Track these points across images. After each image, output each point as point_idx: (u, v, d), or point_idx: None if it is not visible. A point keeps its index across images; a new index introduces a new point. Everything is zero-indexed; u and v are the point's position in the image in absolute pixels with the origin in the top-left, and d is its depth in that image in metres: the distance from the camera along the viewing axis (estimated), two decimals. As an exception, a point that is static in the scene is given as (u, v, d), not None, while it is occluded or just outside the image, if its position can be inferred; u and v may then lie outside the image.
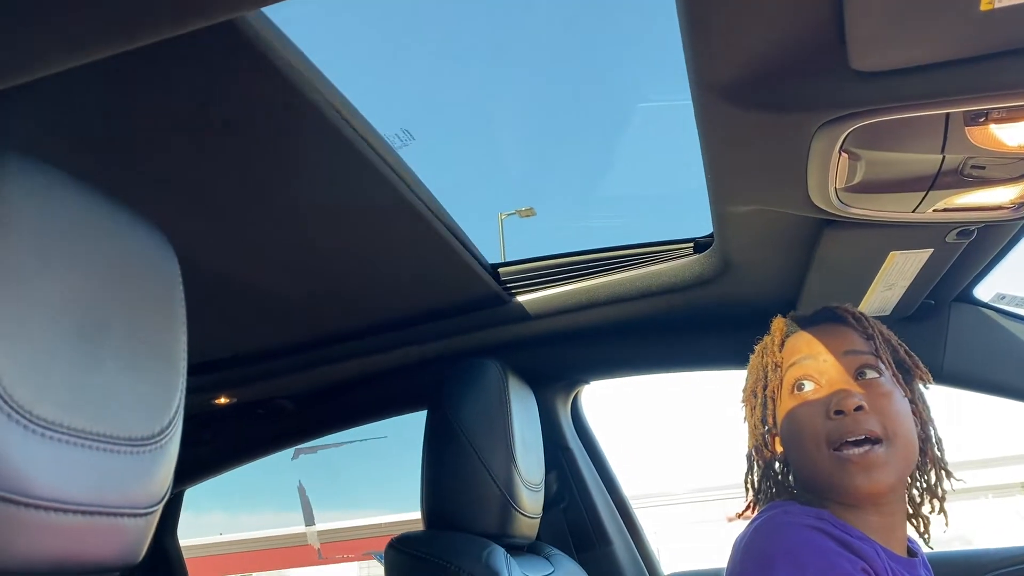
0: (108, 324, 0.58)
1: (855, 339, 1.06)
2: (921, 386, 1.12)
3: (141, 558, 0.61)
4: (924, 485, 1.10)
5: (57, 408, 0.53)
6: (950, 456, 1.11)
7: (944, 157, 0.90)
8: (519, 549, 1.41)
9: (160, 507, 0.62)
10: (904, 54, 0.74)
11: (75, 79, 0.71)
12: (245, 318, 1.52)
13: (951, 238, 1.18)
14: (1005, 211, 1.04)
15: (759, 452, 1.13)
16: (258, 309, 1.49)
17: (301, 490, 11.54)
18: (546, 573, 1.39)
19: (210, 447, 2.00)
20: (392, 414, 1.92)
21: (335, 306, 1.53)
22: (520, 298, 1.57)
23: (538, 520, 1.44)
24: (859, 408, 0.99)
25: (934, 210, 1.03)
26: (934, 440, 1.10)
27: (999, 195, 1.00)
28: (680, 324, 1.63)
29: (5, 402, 0.50)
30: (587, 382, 1.86)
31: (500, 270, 1.57)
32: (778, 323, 1.14)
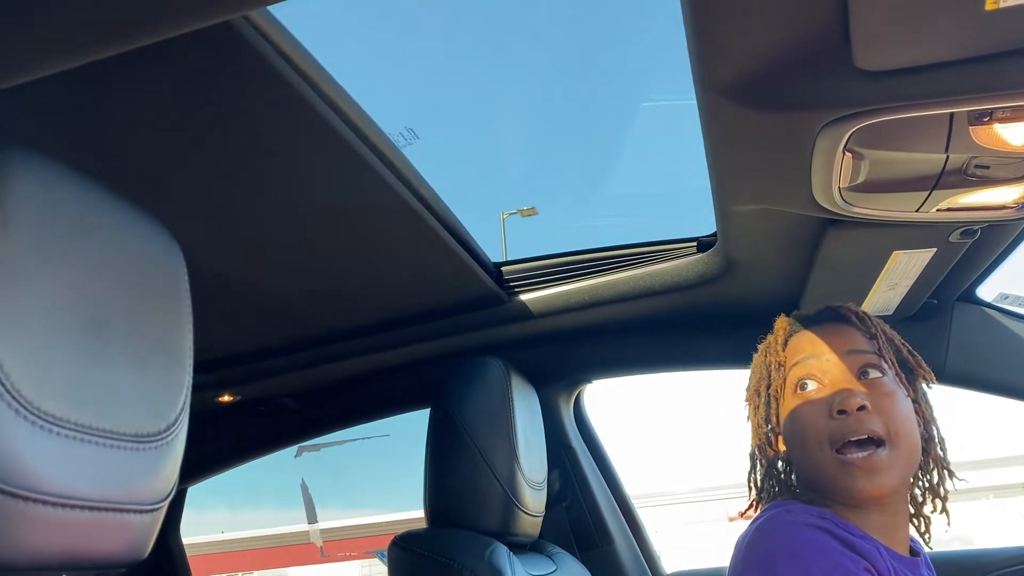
0: (113, 320, 0.59)
1: (858, 338, 1.06)
2: (924, 386, 1.12)
3: (147, 554, 0.62)
4: (926, 485, 1.10)
5: (63, 404, 0.53)
6: (951, 456, 1.11)
7: (948, 157, 0.90)
8: (522, 547, 1.41)
9: (166, 504, 0.63)
10: (908, 53, 0.74)
11: (74, 78, 0.71)
12: (248, 317, 1.53)
13: (954, 238, 1.18)
14: (1009, 211, 1.04)
15: (762, 451, 1.13)
16: (261, 308, 1.49)
17: (304, 488, 11.55)
18: (549, 571, 1.39)
19: (213, 445, 2.01)
20: (395, 412, 1.92)
21: (338, 304, 1.53)
22: (523, 297, 1.57)
23: (541, 518, 1.45)
24: (862, 408, 0.99)
25: (938, 210, 1.03)
26: (937, 440, 1.10)
27: (1003, 195, 1.00)
28: (683, 323, 1.63)
29: (13, 397, 0.50)
30: (590, 381, 1.86)
31: (503, 269, 1.57)
32: (781, 322, 1.14)
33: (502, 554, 1.24)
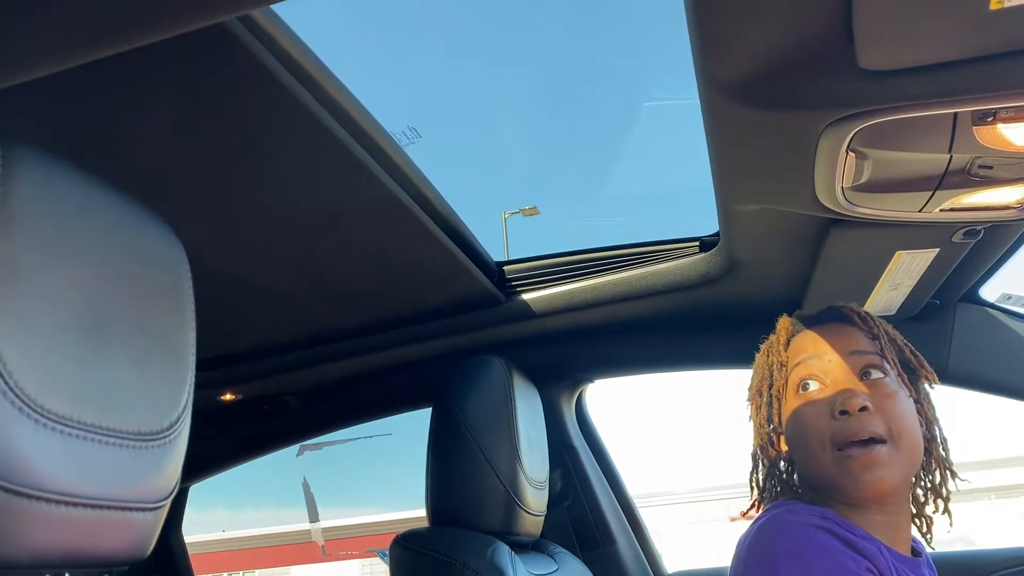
0: (116, 318, 0.59)
1: (860, 339, 1.06)
2: (926, 386, 1.12)
3: (149, 552, 0.62)
4: (928, 485, 1.10)
5: (66, 402, 0.54)
6: (953, 457, 1.11)
7: (951, 157, 0.90)
8: (523, 547, 1.41)
9: (168, 502, 0.63)
10: (913, 53, 0.74)
11: (74, 79, 0.71)
12: (250, 315, 1.53)
13: (957, 238, 1.17)
14: (1012, 211, 1.04)
15: (764, 451, 1.12)
16: (263, 306, 1.49)
17: (306, 487, 11.55)
18: (550, 571, 1.39)
19: (215, 443, 2.01)
20: (397, 411, 1.92)
21: (340, 303, 1.53)
22: (525, 296, 1.57)
23: (542, 518, 1.45)
24: (864, 408, 0.99)
25: (941, 210, 1.03)
26: (939, 440, 1.10)
27: (1006, 195, 1.00)
28: (685, 323, 1.63)
29: (16, 395, 0.50)
30: (591, 380, 1.86)
31: (505, 268, 1.57)
32: (783, 322, 1.14)
33: (504, 553, 1.24)
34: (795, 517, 0.97)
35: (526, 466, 1.35)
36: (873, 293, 1.39)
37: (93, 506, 0.55)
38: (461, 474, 1.32)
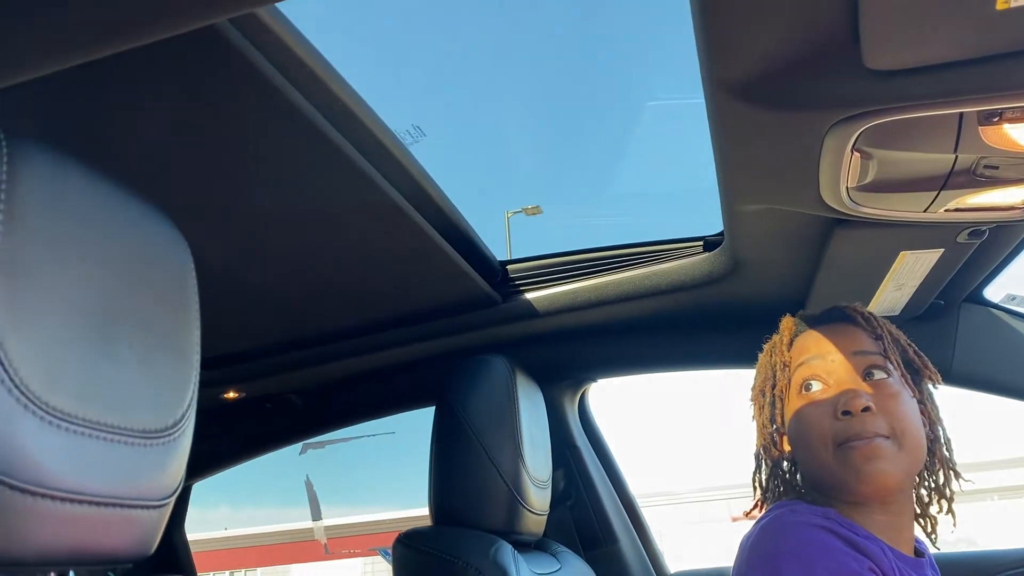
0: (121, 315, 0.59)
1: (864, 339, 1.06)
2: (930, 387, 1.11)
3: (153, 550, 0.62)
4: (932, 485, 1.10)
5: (71, 399, 0.54)
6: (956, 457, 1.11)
7: (957, 157, 0.89)
8: (526, 546, 1.41)
9: (173, 500, 0.63)
10: (918, 53, 0.73)
11: (72, 80, 0.71)
12: (254, 314, 1.53)
13: (962, 238, 1.17)
14: (1017, 211, 1.04)
15: (767, 451, 1.12)
16: (267, 305, 1.49)
17: (308, 485, 11.56)
18: (553, 570, 1.39)
19: (218, 441, 2.01)
20: (400, 410, 1.92)
21: (343, 302, 1.53)
22: (528, 295, 1.57)
23: (545, 517, 1.44)
24: (866, 409, 0.99)
25: (946, 210, 1.03)
26: (943, 440, 1.09)
27: (1011, 195, 1.00)
28: (688, 323, 1.63)
29: (21, 392, 0.50)
30: (595, 380, 1.86)
31: (508, 267, 1.57)
32: (787, 322, 1.14)
33: (507, 552, 1.24)
34: (798, 517, 0.97)
35: (529, 465, 1.35)
36: (877, 293, 1.39)
37: (98, 504, 0.55)
38: (464, 473, 1.32)
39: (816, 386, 1.04)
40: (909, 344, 1.10)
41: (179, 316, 0.65)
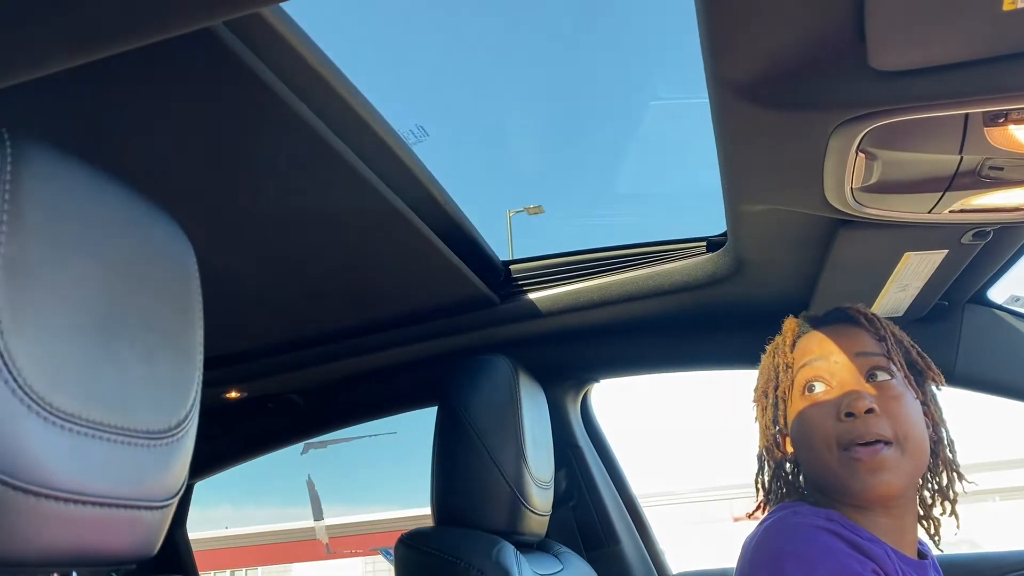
0: (125, 316, 0.58)
1: (867, 340, 1.06)
2: (933, 388, 1.11)
3: (156, 550, 0.62)
4: (935, 487, 1.09)
5: (75, 400, 0.53)
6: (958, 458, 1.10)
7: (962, 158, 0.89)
8: (528, 546, 1.41)
9: (176, 500, 0.63)
10: (924, 54, 0.73)
11: (70, 81, 0.71)
12: (256, 314, 1.53)
13: (967, 239, 1.17)
14: (1022, 213, 1.03)
15: (769, 453, 1.12)
16: (269, 305, 1.49)
17: (310, 485, 11.56)
18: (555, 571, 1.39)
19: (220, 441, 2.01)
20: (402, 410, 1.92)
21: (345, 302, 1.53)
22: (531, 295, 1.57)
23: (547, 518, 1.44)
24: (870, 411, 0.98)
25: (950, 211, 1.03)
26: (946, 442, 1.09)
27: (1016, 196, 0.99)
28: (692, 323, 1.63)
29: (25, 393, 0.50)
30: (597, 380, 1.86)
31: (511, 268, 1.57)
32: (790, 323, 1.14)
33: (509, 553, 1.24)
34: (801, 519, 0.97)
35: (531, 466, 1.35)
36: (881, 294, 1.39)
37: (101, 504, 0.55)
38: (466, 473, 1.32)
39: (819, 387, 1.04)
40: (912, 345, 1.10)
41: (182, 316, 0.64)
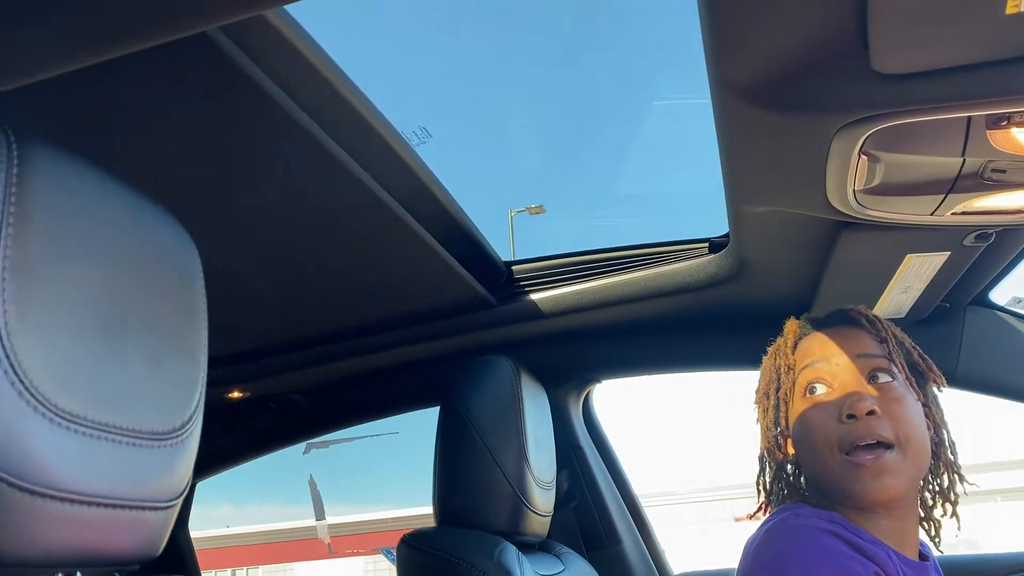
0: (130, 317, 0.59)
1: (868, 342, 1.06)
2: (935, 389, 1.11)
3: (160, 551, 0.62)
4: (936, 488, 1.09)
5: (80, 401, 0.54)
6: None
7: (964, 160, 0.89)
8: (530, 547, 1.41)
9: (180, 501, 0.63)
10: (927, 57, 0.73)
11: (75, 80, 0.71)
12: (259, 314, 1.53)
13: (969, 241, 1.17)
14: (1024, 215, 1.04)
15: (771, 454, 1.12)
16: (272, 306, 1.49)
17: (312, 484, 11.57)
18: (557, 571, 1.39)
19: (223, 441, 2.01)
20: (404, 410, 1.92)
21: (348, 303, 1.53)
22: (533, 296, 1.57)
23: (549, 518, 1.45)
24: (871, 412, 0.98)
25: (952, 213, 1.03)
26: (947, 444, 1.09)
27: (1018, 199, 0.99)
28: (693, 324, 1.63)
29: (31, 394, 0.50)
30: (599, 381, 1.86)
31: (513, 268, 1.57)
32: (791, 325, 1.14)
33: (511, 554, 1.24)
34: (803, 521, 0.97)
35: (533, 466, 1.35)
36: (883, 296, 1.39)
37: (106, 505, 0.55)
38: (468, 474, 1.32)
39: (820, 389, 1.04)
40: (914, 347, 1.09)
41: (187, 317, 0.65)
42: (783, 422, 1.10)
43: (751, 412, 1.17)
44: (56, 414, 0.52)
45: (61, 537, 0.52)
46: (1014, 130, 0.83)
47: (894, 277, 1.32)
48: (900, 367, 1.04)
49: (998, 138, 0.84)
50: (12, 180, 0.52)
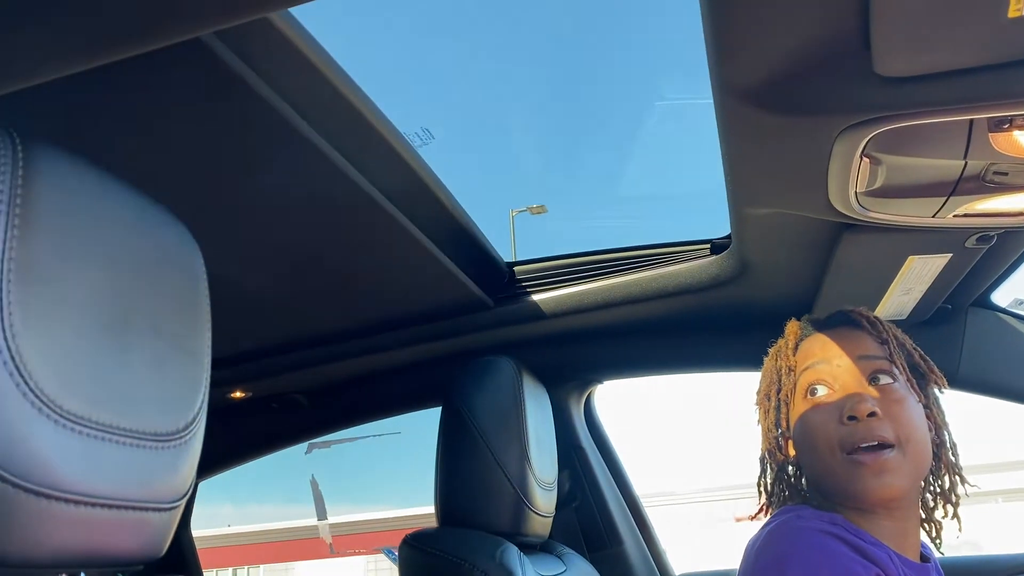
0: (133, 318, 0.59)
1: (869, 344, 1.06)
2: (936, 391, 1.11)
3: (164, 552, 0.62)
4: (937, 490, 1.09)
5: (85, 402, 0.54)
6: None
7: (966, 163, 0.89)
8: (532, 548, 1.41)
9: (184, 502, 0.63)
10: (929, 60, 0.73)
11: (71, 82, 0.71)
12: (260, 315, 1.53)
13: (970, 243, 1.17)
14: (1026, 217, 1.04)
15: (772, 455, 1.12)
16: (273, 307, 1.50)
17: (314, 484, 11.58)
18: (558, 572, 1.39)
19: (225, 441, 2.01)
20: (406, 410, 1.93)
21: (350, 303, 1.53)
22: (535, 297, 1.57)
23: (551, 519, 1.45)
24: (872, 414, 0.98)
25: (954, 215, 1.03)
26: (948, 445, 1.09)
27: (1020, 201, 0.99)
28: (695, 325, 1.63)
29: (36, 396, 0.50)
30: (600, 382, 1.86)
31: (515, 268, 1.58)
32: (792, 326, 1.14)
33: (513, 554, 1.24)
34: (804, 522, 0.97)
35: (535, 467, 1.36)
36: (885, 298, 1.39)
37: (110, 506, 0.55)
38: (470, 474, 1.32)
39: (821, 390, 1.04)
40: (915, 348, 1.10)
41: (190, 319, 0.65)
42: (784, 423, 1.10)
43: (753, 413, 1.17)
44: (61, 415, 0.52)
45: (65, 538, 0.52)
46: (1016, 133, 0.83)
47: (896, 279, 1.32)
48: (901, 369, 1.04)
49: (1000, 141, 0.84)
50: (18, 182, 0.52)
